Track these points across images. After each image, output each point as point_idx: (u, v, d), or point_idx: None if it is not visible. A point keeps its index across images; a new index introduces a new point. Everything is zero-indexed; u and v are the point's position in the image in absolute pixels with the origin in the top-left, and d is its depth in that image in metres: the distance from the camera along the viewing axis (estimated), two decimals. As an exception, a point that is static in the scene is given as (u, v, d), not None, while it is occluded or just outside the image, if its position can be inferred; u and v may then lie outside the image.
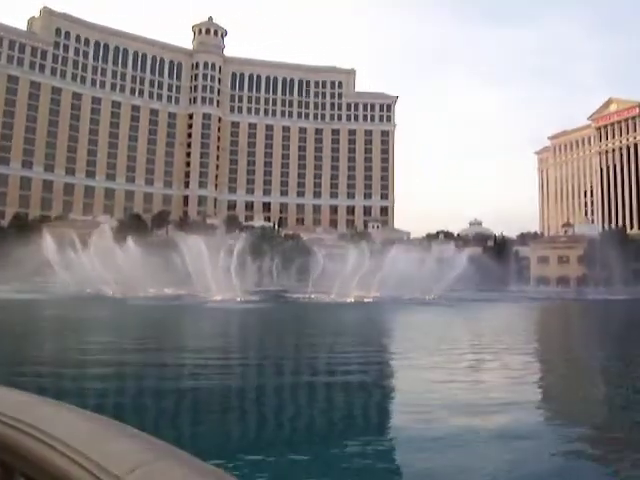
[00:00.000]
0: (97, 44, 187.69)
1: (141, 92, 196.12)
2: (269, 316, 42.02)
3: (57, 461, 1.91)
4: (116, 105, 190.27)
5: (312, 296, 66.02)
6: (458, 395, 13.55)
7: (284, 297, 64.80)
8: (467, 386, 14.82)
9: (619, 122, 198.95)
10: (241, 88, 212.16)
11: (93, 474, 1.77)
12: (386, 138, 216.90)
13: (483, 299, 64.72)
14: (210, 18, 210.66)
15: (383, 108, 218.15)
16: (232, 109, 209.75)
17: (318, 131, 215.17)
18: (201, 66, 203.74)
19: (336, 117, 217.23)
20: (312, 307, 51.26)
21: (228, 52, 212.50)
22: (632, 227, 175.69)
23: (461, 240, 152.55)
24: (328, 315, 42.58)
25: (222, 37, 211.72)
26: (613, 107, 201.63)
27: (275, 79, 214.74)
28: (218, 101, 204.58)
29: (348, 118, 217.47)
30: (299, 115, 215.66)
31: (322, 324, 35.54)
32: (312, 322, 37.78)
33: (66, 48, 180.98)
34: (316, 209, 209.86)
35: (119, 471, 1.72)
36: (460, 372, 16.85)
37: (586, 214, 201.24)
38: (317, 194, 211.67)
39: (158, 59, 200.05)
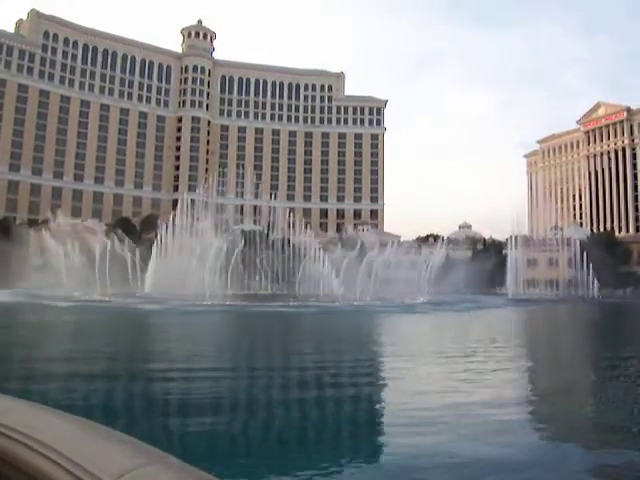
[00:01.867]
0: (85, 47, 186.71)
1: (130, 95, 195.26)
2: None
3: (44, 467, 1.88)
4: (105, 108, 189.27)
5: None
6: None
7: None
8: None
9: (607, 126, 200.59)
10: (230, 91, 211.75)
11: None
12: (376, 142, 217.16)
13: (468, 302, 64.43)
14: (199, 21, 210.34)
15: (373, 112, 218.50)
16: (221, 112, 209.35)
17: (308, 134, 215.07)
18: (190, 69, 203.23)
19: (326, 120, 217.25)
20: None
21: (217, 55, 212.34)
22: (620, 230, 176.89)
23: (451, 243, 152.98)
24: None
25: (211, 40, 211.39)
26: (601, 111, 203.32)
27: (265, 82, 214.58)
28: (207, 104, 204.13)
29: (338, 122, 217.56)
30: (289, 119, 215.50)
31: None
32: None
33: (54, 51, 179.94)
34: (306, 212, 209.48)
35: (107, 476, 1.71)
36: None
37: (575, 217, 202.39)
38: (307, 198, 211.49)
39: (147, 62, 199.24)
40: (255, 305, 53.77)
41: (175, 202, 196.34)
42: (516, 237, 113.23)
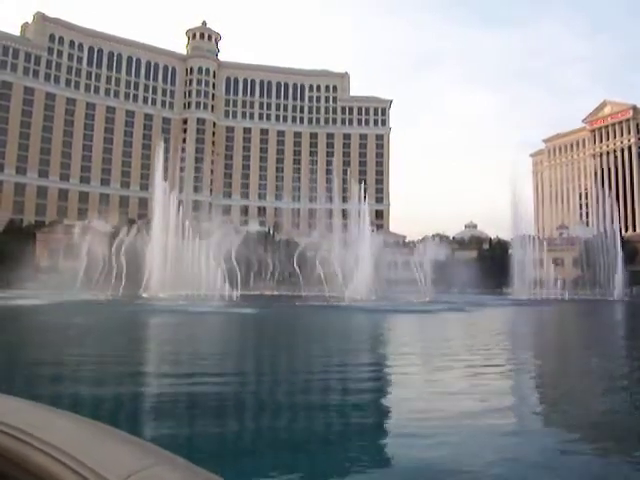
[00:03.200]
0: (91, 49, 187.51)
1: (135, 97, 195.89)
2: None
3: (51, 468, 1.88)
4: (110, 110, 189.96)
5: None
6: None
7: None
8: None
9: (613, 125, 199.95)
10: (235, 93, 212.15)
11: None
12: (381, 142, 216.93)
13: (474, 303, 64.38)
14: (204, 23, 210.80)
15: (377, 112, 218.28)
16: (226, 114, 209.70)
17: (313, 135, 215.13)
18: (195, 71, 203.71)
19: (331, 121, 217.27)
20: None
21: (222, 57, 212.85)
22: (627, 229, 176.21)
23: (456, 243, 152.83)
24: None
25: (216, 42, 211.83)
26: (607, 110, 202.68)
27: (269, 83, 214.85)
28: (212, 106, 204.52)
29: (343, 122, 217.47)
30: (294, 119, 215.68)
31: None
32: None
33: (60, 54, 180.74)
34: (311, 213, 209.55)
35: (115, 477, 1.71)
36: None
37: (581, 216, 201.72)
38: (312, 198, 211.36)
39: (152, 64, 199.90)
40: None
41: (180, 203, 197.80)
42: (522, 236, 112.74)
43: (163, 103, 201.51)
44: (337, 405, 12.52)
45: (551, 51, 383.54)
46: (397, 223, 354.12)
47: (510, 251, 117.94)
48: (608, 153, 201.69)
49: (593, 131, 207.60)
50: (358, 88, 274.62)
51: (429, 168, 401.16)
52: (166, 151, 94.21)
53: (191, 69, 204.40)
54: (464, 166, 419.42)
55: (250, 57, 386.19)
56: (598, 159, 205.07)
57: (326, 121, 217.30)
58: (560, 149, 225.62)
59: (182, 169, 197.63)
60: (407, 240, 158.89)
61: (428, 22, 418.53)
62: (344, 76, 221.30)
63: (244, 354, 21.74)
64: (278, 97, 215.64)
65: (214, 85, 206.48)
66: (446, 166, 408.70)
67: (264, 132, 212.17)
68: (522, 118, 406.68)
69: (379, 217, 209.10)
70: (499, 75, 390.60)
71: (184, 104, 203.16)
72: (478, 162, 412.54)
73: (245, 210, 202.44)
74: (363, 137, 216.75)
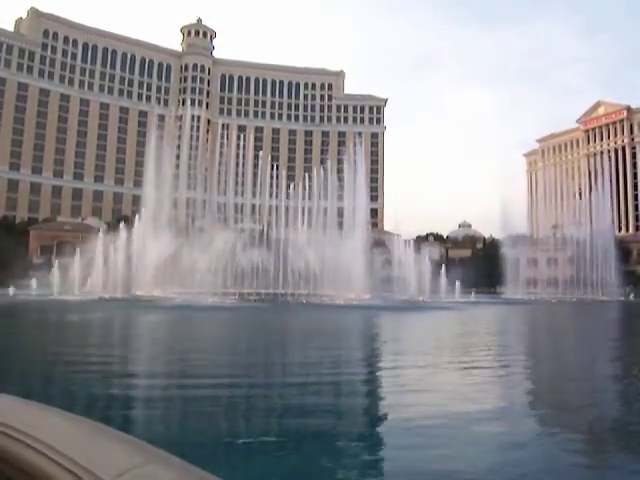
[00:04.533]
0: (85, 45, 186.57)
1: (129, 94, 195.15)
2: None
3: (44, 466, 1.87)
4: (104, 107, 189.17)
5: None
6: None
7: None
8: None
9: (607, 125, 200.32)
10: (230, 90, 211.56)
11: (81, 479, 1.75)
12: (376, 140, 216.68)
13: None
14: (199, 20, 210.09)
15: (373, 110, 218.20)
16: (221, 111, 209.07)
17: (307, 133, 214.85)
18: (190, 68, 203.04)
19: (326, 119, 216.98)
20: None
21: (217, 54, 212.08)
22: (620, 229, 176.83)
23: (450, 242, 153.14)
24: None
25: (211, 39, 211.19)
26: (601, 110, 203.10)
27: (264, 81, 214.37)
28: (207, 103, 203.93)
29: (338, 120, 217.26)
30: (289, 117, 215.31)
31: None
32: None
33: (54, 49, 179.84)
34: (306, 211, 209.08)
35: (107, 475, 1.70)
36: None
37: (575, 216, 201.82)
38: (307, 196, 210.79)
39: (147, 60, 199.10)
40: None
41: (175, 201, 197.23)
42: (514, 236, 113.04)
43: (158, 100, 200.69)
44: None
45: (551, 51, 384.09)
46: (394, 222, 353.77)
47: (502, 250, 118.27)
48: (602, 153, 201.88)
49: (587, 131, 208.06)
50: (357, 87, 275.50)
51: (428, 167, 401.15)
52: (160, 148, 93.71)
53: (186, 66, 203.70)
54: (463, 165, 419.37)
55: (246, 54, 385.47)
56: (592, 159, 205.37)
57: (321, 119, 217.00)
58: (554, 149, 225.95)
59: (177, 167, 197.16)
60: (402, 239, 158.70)
61: (428, 22, 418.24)
62: (339, 74, 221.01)
63: (239, 355, 21.61)
64: (273, 95, 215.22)
65: (209, 82, 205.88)
66: (445, 165, 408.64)
67: (259, 130, 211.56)
68: (522, 118, 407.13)
69: (373, 216, 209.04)
70: (499, 75, 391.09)
71: (178, 101, 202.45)
72: (478, 161, 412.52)
73: (240, 208, 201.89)
74: (358, 135, 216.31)
